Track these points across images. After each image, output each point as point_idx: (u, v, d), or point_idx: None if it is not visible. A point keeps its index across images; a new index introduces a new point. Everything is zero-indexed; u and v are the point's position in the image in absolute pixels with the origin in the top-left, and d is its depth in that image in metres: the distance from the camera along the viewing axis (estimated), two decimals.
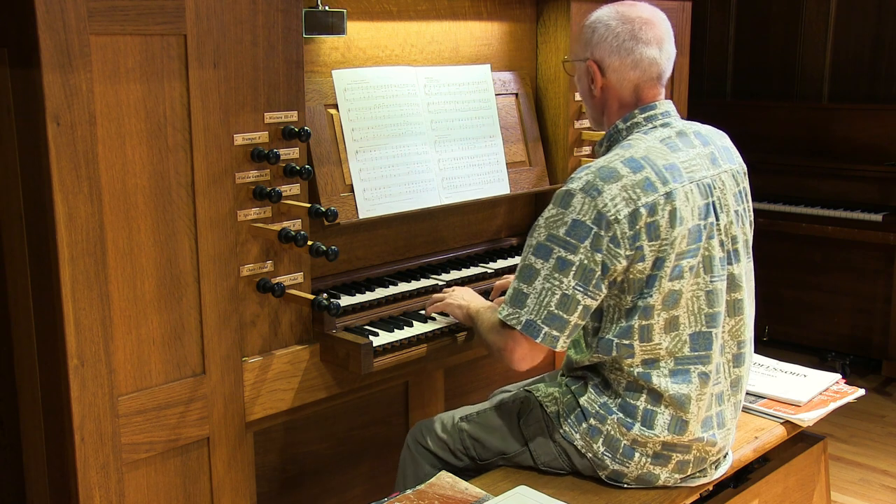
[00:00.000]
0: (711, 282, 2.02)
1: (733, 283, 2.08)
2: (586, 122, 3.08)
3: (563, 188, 1.95)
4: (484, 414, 2.27)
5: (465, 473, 2.26)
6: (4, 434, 2.19)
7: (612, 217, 1.89)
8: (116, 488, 1.97)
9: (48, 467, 2.04)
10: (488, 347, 2.13)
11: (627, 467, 2.06)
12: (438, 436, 2.29)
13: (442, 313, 2.46)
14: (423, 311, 2.49)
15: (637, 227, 1.90)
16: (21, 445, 2.16)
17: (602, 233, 1.89)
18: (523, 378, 2.59)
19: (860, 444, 4.02)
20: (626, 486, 2.10)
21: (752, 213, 2.18)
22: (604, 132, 2.17)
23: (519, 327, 1.96)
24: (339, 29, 2.40)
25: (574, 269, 1.90)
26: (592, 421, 2.06)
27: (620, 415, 2.03)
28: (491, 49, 2.95)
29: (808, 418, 2.49)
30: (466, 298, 2.35)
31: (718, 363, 2.08)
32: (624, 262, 1.92)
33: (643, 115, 2.08)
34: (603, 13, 2.09)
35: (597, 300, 1.95)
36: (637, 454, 2.05)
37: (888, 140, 4.74)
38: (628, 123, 2.09)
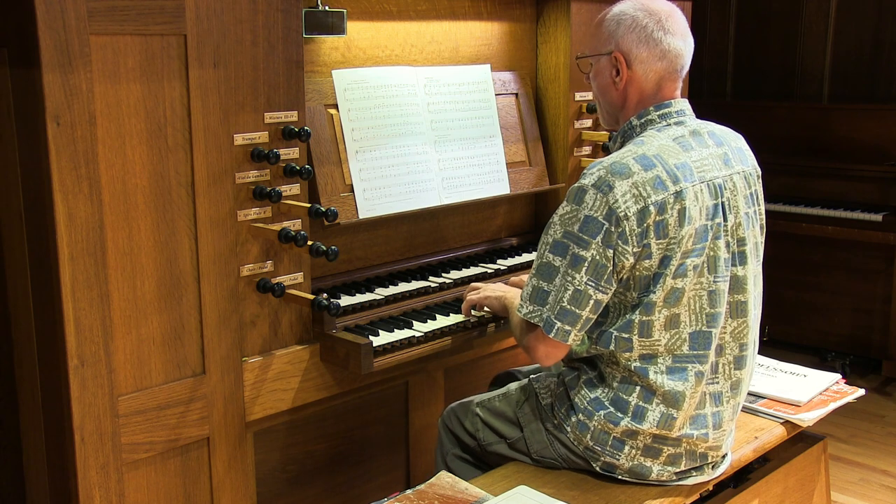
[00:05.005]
0: (714, 282, 2.02)
1: (738, 285, 2.08)
2: (586, 122, 3.07)
3: (577, 184, 1.97)
4: (493, 400, 2.32)
5: (466, 463, 2.32)
6: (4, 434, 2.19)
7: (622, 213, 1.90)
8: (116, 488, 1.97)
9: (48, 467, 2.04)
10: (518, 344, 2.17)
11: (618, 459, 2.07)
12: (458, 418, 2.36)
13: (446, 313, 2.46)
14: (423, 311, 2.49)
15: (645, 224, 1.91)
16: (21, 445, 2.16)
17: (612, 229, 1.91)
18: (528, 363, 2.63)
19: (860, 444, 4.02)
20: (619, 477, 2.11)
21: (763, 216, 2.17)
22: (608, 130, 2.17)
23: (542, 324, 1.98)
24: (339, 29, 2.40)
25: (586, 264, 1.92)
26: (581, 416, 2.08)
27: (611, 409, 2.04)
28: (491, 49, 2.95)
29: (808, 418, 2.49)
30: (502, 289, 2.39)
31: (714, 362, 2.08)
32: (631, 259, 1.93)
33: (658, 113, 2.08)
34: (625, 6, 2.09)
35: (608, 295, 1.97)
36: (627, 447, 2.06)
37: (888, 140, 4.74)
38: (642, 120, 2.09)
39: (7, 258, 2.05)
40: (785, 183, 4.96)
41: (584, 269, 1.93)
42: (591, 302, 1.95)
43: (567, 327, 1.96)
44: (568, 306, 1.95)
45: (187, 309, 2.05)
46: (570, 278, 1.94)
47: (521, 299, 2.03)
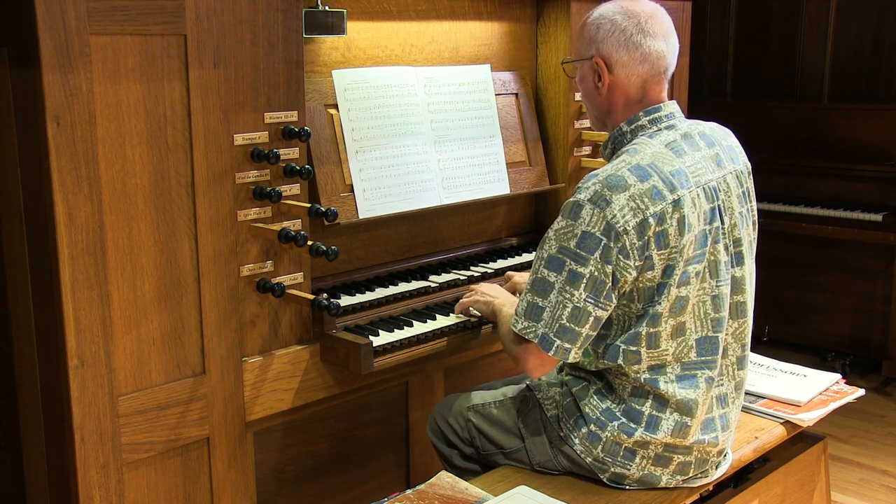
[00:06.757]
0: (717, 286, 2.00)
1: (737, 286, 2.07)
2: (586, 122, 3.07)
3: (572, 199, 1.93)
4: (489, 406, 2.30)
5: (473, 462, 2.31)
6: (4, 434, 2.19)
7: (621, 228, 1.87)
8: (116, 488, 1.97)
9: (48, 467, 2.04)
10: (507, 352, 2.15)
11: (629, 469, 2.06)
12: (448, 422, 2.34)
13: (446, 313, 2.46)
14: (423, 311, 2.49)
15: (646, 237, 1.88)
16: (21, 445, 2.16)
17: (611, 244, 1.87)
18: None
19: (860, 444, 4.02)
20: (627, 487, 2.10)
21: (755, 213, 2.16)
22: (605, 133, 2.16)
23: (536, 340, 1.96)
24: (339, 29, 2.40)
25: (585, 281, 1.89)
26: (592, 427, 2.06)
27: (623, 420, 2.03)
28: (491, 49, 2.95)
29: (808, 418, 2.49)
30: (492, 294, 2.37)
31: (721, 366, 2.08)
32: (634, 273, 1.91)
33: (647, 118, 2.05)
34: (606, 10, 2.06)
35: (607, 311, 1.94)
36: (638, 457, 2.05)
37: (888, 140, 4.74)
38: (633, 126, 2.06)
39: (7, 258, 2.05)
40: (785, 183, 4.96)
41: (582, 285, 1.89)
42: (591, 319, 1.92)
43: (567, 345, 1.94)
44: (567, 324, 1.92)
45: (187, 309, 2.05)
46: (568, 295, 1.91)
47: (517, 314, 2.00)
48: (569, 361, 1.97)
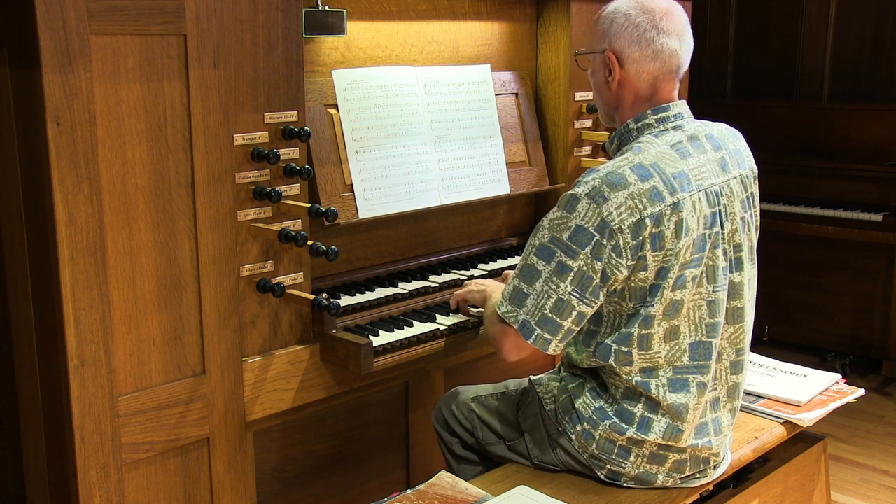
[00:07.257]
0: (714, 291, 1.99)
1: (734, 292, 2.06)
2: (586, 122, 3.08)
3: (570, 192, 1.92)
4: (491, 398, 2.31)
5: (472, 452, 2.33)
6: (4, 434, 2.19)
7: (616, 226, 1.86)
8: (116, 488, 1.97)
9: (48, 467, 2.04)
10: (486, 332, 2.15)
11: (624, 468, 2.06)
12: (453, 412, 2.35)
13: (446, 313, 2.46)
14: (423, 311, 2.49)
15: (641, 237, 1.87)
16: (21, 445, 2.16)
17: (604, 241, 1.87)
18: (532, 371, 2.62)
19: (860, 444, 4.02)
20: (625, 485, 2.10)
21: (758, 218, 2.15)
22: (609, 130, 2.15)
23: (516, 326, 1.96)
24: (339, 29, 2.40)
25: (572, 274, 1.89)
26: (586, 425, 2.06)
27: (615, 420, 2.03)
28: (491, 49, 2.95)
29: (808, 418, 2.49)
30: (485, 283, 2.38)
31: (715, 371, 2.07)
32: (625, 272, 1.90)
33: (655, 117, 2.03)
34: (621, 3, 2.04)
35: (592, 307, 1.93)
36: (633, 455, 2.05)
37: (888, 140, 4.74)
38: (640, 124, 2.04)
39: (7, 258, 2.05)
40: (785, 183, 4.96)
41: (569, 278, 1.89)
42: (575, 313, 1.91)
43: (547, 335, 1.93)
44: (550, 314, 1.91)
45: (187, 309, 2.05)
46: (553, 286, 1.90)
47: (503, 297, 2.00)
48: (549, 353, 1.96)
